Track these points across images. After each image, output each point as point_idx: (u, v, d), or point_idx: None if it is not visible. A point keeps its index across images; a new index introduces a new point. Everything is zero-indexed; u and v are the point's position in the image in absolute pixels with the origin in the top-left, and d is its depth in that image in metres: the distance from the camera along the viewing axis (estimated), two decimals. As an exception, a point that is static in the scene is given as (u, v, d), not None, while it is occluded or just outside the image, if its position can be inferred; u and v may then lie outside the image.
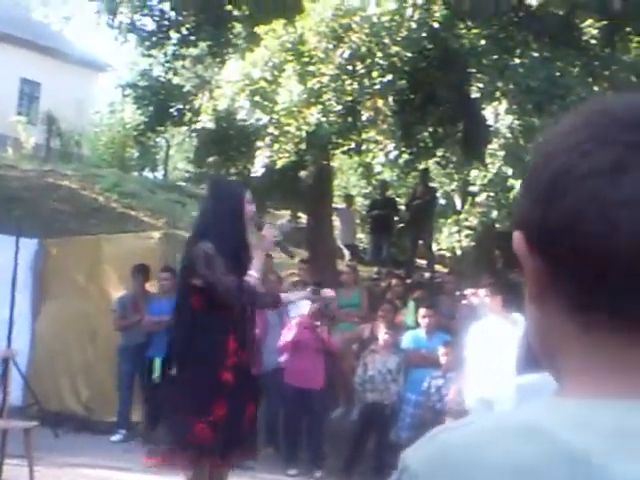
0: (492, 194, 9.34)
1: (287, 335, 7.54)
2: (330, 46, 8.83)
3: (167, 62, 11.34)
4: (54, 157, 17.95)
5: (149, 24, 10.92)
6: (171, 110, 11.55)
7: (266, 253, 3.91)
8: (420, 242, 12.60)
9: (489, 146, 8.94)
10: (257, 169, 10.15)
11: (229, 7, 9.90)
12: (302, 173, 10.86)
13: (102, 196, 15.92)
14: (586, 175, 0.68)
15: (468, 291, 7.06)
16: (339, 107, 9.26)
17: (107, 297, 8.36)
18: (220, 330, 3.96)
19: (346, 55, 8.72)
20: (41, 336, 9.17)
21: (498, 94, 8.28)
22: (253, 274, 4.00)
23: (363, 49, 8.63)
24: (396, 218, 12.79)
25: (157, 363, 7.37)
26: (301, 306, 7.70)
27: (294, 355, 7.40)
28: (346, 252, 12.85)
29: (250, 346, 4.19)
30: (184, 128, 12.61)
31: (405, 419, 7.17)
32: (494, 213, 9.53)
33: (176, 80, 11.65)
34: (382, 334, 7.54)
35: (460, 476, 0.65)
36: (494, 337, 6.21)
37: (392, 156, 10.49)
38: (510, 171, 8.81)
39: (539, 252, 0.72)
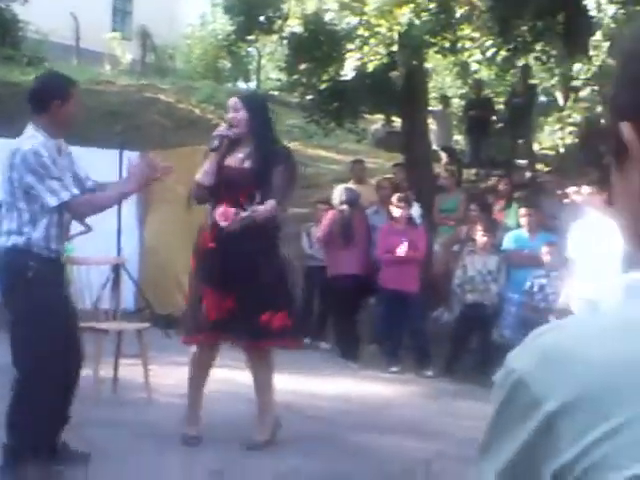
0: (596, 88, 8.91)
1: (381, 244, 7.65)
2: None
3: (255, -33, 11.14)
4: (150, 72, 18.22)
5: None
6: (260, 18, 11.42)
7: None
8: (520, 141, 12.23)
9: (592, 38, 8.47)
10: (347, 72, 9.98)
11: None
12: (393, 74, 10.64)
13: (198, 108, 16.12)
14: None
15: (571, 189, 6.83)
16: (432, 4, 8.93)
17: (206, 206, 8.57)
18: None
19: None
20: (148, 243, 9.57)
21: (599, -20, 7.77)
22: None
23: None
24: (494, 118, 12.43)
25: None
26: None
27: (389, 263, 7.52)
28: (443, 155, 12.65)
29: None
30: (275, 37, 12.48)
31: (508, 318, 7.15)
32: (599, 108, 9.11)
33: (265, -14, 11.45)
34: (479, 235, 7.52)
35: (568, 375, 0.63)
36: (598, 235, 6.04)
37: (489, 54, 10.11)
38: (615, 63, 8.35)
39: None
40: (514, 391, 0.66)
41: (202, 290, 4.36)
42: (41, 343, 3.55)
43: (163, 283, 9.00)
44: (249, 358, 4.54)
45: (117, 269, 6.61)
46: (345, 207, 7.91)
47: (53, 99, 3.62)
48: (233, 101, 4.48)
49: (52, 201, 3.54)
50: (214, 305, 4.30)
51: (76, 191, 3.64)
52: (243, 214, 4.20)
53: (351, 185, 8.74)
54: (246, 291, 4.28)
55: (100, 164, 8.22)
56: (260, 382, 4.51)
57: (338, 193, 8.14)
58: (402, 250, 7.41)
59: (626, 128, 0.69)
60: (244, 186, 4.32)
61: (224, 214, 4.18)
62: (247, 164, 4.37)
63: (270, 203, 4.23)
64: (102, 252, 6.95)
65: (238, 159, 4.40)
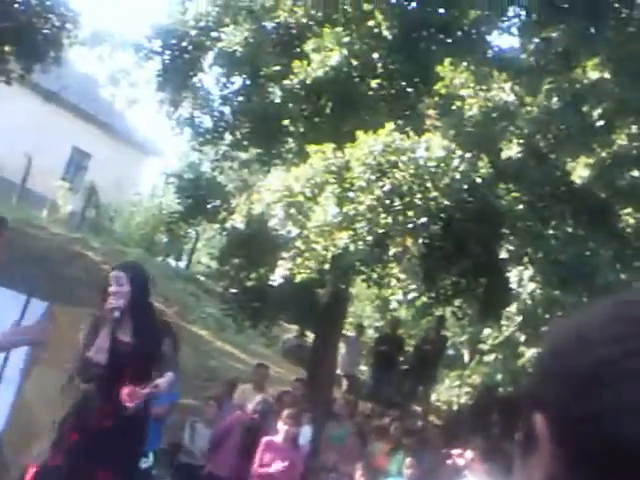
0: (501, 357, 9.27)
1: (258, 456, 7.43)
2: (373, 177, 9.05)
3: (216, 160, 11.66)
4: (86, 227, 18.28)
5: (206, 121, 11.32)
6: (208, 206, 11.77)
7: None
8: (420, 388, 12.39)
9: (507, 308, 8.93)
10: (276, 278, 10.18)
11: (286, 122, 10.26)
12: (319, 291, 10.91)
13: (122, 273, 16.00)
14: (634, 375, 0.65)
15: (456, 450, 6.88)
16: (369, 237, 9.37)
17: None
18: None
19: (386, 189, 8.92)
20: (27, 397, 9.03)
21: (526, 260, 8.34)
22: None
23: (404, 187, 8.83)
24: (401, 358, 12.67)
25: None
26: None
27: (261, 478, 7.27)
28: (345, 382, 12.67)
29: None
30: (216, 225, 12.79)
31: None
32: (499, 376, 9.42)
33: (220, 179, 11.94)
34: (358, 474, 7.38)
35: None
36: None
37: (410, 296, 10.52)
38: (523, 338, 8.77)
39: (564, 440, 0.67)
40: None
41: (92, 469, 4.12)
42: None
43: (26, 442, 8.41)
44: None
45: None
46: (257, 416, 7.82)
47: None
48: (117, 275, 4.41)
49: None
50: None
51: None
52: (145, 390, 4.10)
53: (250, 387, 8.65)
54: (127, 474, 4.16)
55: (5, 305, 7.96)
56: None
57: (255, 401, 8.13)
58: (277, 467, 7.19)
59: (540, 420, 0.68)
60: (135, 362, 4.25)
61: (131, 394, 4.05)
62: (136, 339, 4.32)
63: (170, 375, 4.19)
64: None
65: (126, 334, 4.33)
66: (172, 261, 18.75)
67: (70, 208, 18.79)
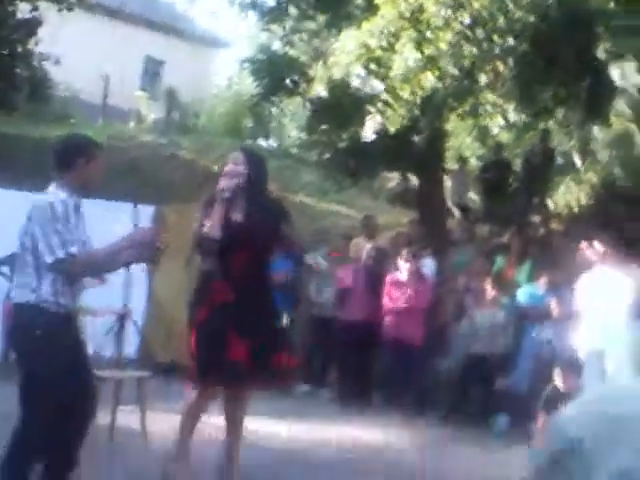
0: (615, 151, 9.26)
1: (393, 297, 8.02)
2: (450, 13, 8.89)
3: (285, 36, 11.62)
4: (173, 130, 18.72)
5: (269, 1, 11.22)
6: (286, 81, 11.85)
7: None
8: (534, 200, 12.52)
9: (614, 105, 8.84)
10: (367, 134, 10.28)
11: (349, -22, 10.05)
12: (415, 138, 11.00)
13: (216, 164, 16.45)
14: None
15: (584, 243, 7.01)
16: (456, 71, 9.32)
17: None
18: None
19: (466, 21, 8.78)
20: (157, 294, 9.77)
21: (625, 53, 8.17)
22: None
23: (484, 14, 8.67)
24: (510, 180, 12.77)
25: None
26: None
27: (393, 312, 7.90)
28: (456, 211, 12.94)
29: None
30: (298, 98, 12.88)
31: (517, 371, 7.44)
32: (616, 170, 9.45)
33: (292, 53, 11.93)
34: (488, 288, 7.79)
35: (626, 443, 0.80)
36: (607, 287, 6.20)
37: (511, 119, 10.49)
38: (636, 128, 8.73)
39: None
40: None
41: (223, 339, 4.34)
42: (48, 400, 3.53)
43: (168, 334, 9.15)
44: (237, 404, 4.62)
45: (122, 319, 6.77)
46: (371, 262, 8.46)
47: (78, 157, 3.64)
48: (235, 155, 4.52)
49: (48, 258, 3.49)
50: (237, 353, 4.32)
51: (74, 250, 3.54)
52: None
53: (362, 240, 9.30)
54: (263, 337, 4.43)
55: (115, 216, 8.42)
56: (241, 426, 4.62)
57: (368, 250, 8.65)
58: (405, 297, 7.84)
59: None
60: (248, 242, 4.39)
61: None
62: (248, 219, 4.40)
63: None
64: (108, 303, 6.97)
65: (238, 214, 4.43)
66: (262, 142, 19.01)
67: (153, 116, 19.18)
